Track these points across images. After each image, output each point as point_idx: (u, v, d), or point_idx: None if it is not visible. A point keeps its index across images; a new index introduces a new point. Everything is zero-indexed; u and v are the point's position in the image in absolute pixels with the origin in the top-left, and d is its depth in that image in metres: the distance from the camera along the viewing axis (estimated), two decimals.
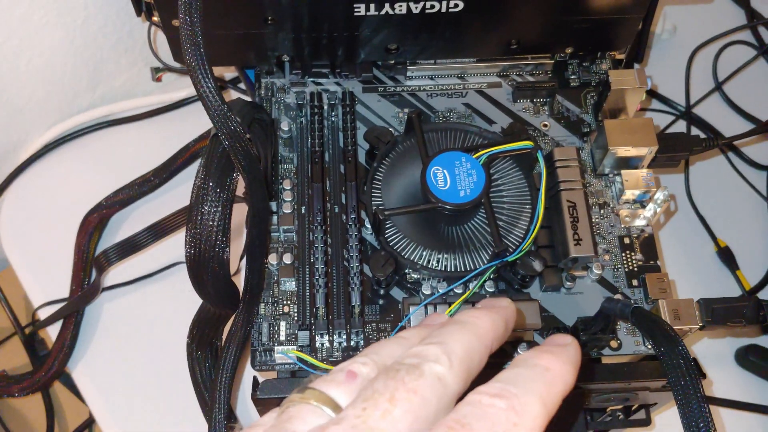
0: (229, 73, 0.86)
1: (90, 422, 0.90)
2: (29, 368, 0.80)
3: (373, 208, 0.57)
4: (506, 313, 0.34)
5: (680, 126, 0.84)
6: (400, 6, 0.58)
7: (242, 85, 0.83)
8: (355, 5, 0.58)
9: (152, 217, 0.74)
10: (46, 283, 0.79)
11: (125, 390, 0.73)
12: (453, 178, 0.55)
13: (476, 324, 0.32)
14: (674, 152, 0.63)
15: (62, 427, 0.91)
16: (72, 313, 0.75)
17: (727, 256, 0.79)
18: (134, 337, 0.76)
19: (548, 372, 0.30)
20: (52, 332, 0.77)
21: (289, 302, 0.58)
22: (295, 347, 0.56)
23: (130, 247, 0.73)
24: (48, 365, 0.75)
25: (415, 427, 0.27)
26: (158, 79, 0.86)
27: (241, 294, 0.56)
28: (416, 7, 0.58)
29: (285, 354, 0.55)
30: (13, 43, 0.72)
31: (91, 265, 0.77)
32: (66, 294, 0.77)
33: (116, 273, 0.78)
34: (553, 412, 0.29)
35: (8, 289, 0.83)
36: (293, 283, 0.58)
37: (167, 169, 0.80)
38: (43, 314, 0.78)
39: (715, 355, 0.75)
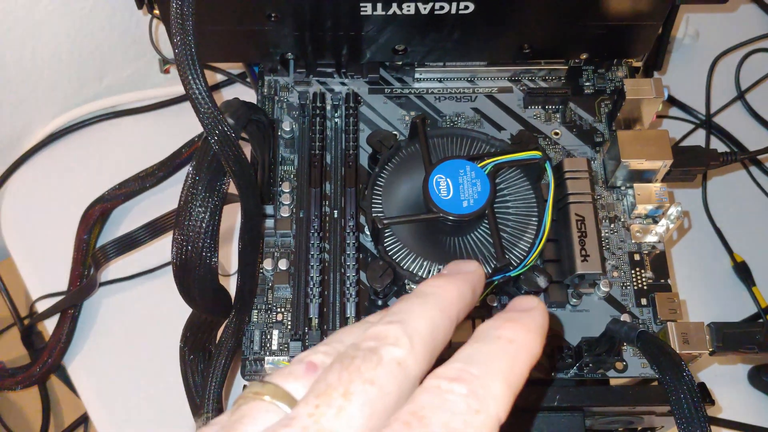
0: (236, 68, 0.84)
1: (86, 417, 0.90)
2: (26, 360, 0.79)
3: (372, 216, 0.55)
4: (473, 279, 0.31)
5: (700, 135, 0.82)
6: (408, 6, 0.56)
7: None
8: (361, 4, 0.56)
9: (155, 211, 0.73)
10: (45, 274, 0.78)
11: (120, 386, 0.72)
12: (456, 187, 0.53)
13: (440, 295, 0.29)
14: (690, 166, 0.60)
15: (58, 421, 0.91)
16: (69, 307, 0.75)
17: (743, 272, 0.76)
18: (131, 333, 0.75)
19: (511, 345, 0.28)
20: (50, 325, 0.76)
21: (283, 310, 0.56)
22: (286, 358, 0.54)
23: (128, 243, 0.72)
24: (43, 359, 0.75)
25: (374, 421, 0.25)
26: (166, 71, 0.84)
27: (232, 300, 0.54)
28: (425, 8, 0.56)
29: (275, 365, 0.54)
30: (17, 32, 0.71)
31: (90, 259, 0.76)
32: (65, 287, 0.76)
33: (116, 268, 0.77)
34: (519, 388, 0.27)
35: (8, 279, 0.83)
36: (288, 290, 0.57)
37: (172, 163, 0.79)
38: (41, 306, 0.77)
39: (728, 374, 0.73)
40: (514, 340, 0.28)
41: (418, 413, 0.24)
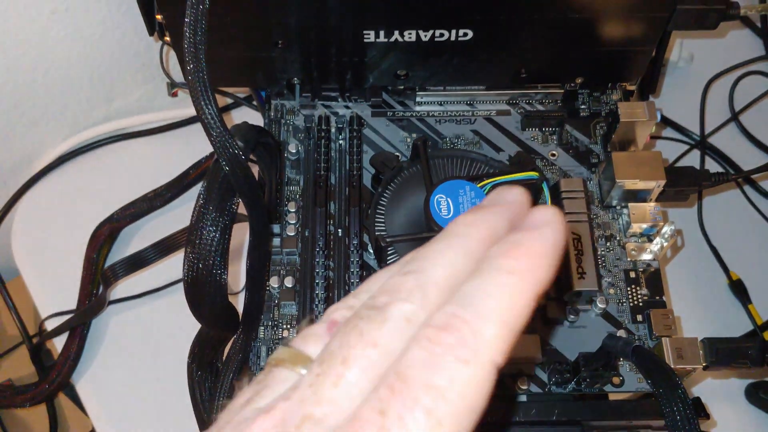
0: (243, 92, 0.86)
1: None
2: (35, 378, 0.80)
3: (376, 234, 0.57)
4: (512, 211, 0.27)
5: (695, 156, 0.84)
6: (410, 34, 0.58)
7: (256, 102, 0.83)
8: (364, 32, 0.58)
9: (163, 231, 0.74)
10: (54, 293, 0.79)
11: (128, 404, 0.73)
12: (456, 206, 0.55)
13: (468, 236, 0.26)
14: (683, 186, 0.62)
15: None
16: (78, 325, 0.76)
17: (739, 290, 0.77)
18: (139, 351, 0.76)
19: (511, 277, 0.25)
20: (59, 344, 0.77)
21: (289, 326, 0.58)
22: None
23: (137, 262, 0.73)
24: (52, 377, 0.76)
25: (376, 384, 0.23)
26: (174, 94, 0.86)
27: (240, 317, 0.56)
28: (425, 35, 0.58)
29: None
30: (30, 56, 0.73)
31: (99, 278, 0.77)
32: (74, 306, 0.77)
33: (124, 287, 0.78)
34: (520, 324, 0.25)
35: (17, 298, 0.84)
36: (294, 307, 0.58)
37: (179, 184, 0.80)
38: (50, 325, 0.78)
39: (725, 391, 0.74)
40: (514, 271, 0.25)
41: (403, 373, 0.23)
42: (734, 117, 0.86)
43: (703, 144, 0.84)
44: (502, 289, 0.24)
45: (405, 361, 0.23)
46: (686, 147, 0.84)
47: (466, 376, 0.23)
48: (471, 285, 0.25)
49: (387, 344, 0.24)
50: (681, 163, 0.82)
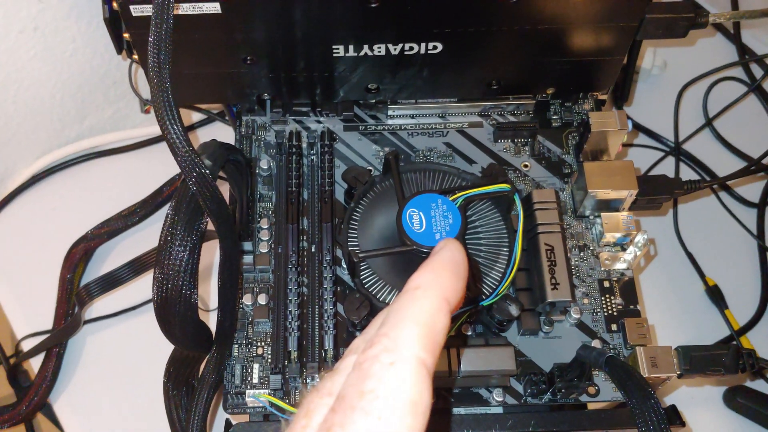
0: (216, 108, 0.86)
1: None
2: (12, 400, 0.79)
3: (349, 249, 0.57)
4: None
5: (670, 162, 0.84)
6: (379, 47, 0.58)
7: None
8: (333, 46, 0.58)
9: (138, 249, 0.74)
10: (30, 314, 0.78)
11: (106, 423, 0.73)
12: (429, 220, 0.55)
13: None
14: (655, 195, 0.62)
15: None
16: (54, 345, 0.75)
17: (716, 295, 0.78)
18: (116, 370, 0.75)
19: (418, 290, 0.29)
20: (35, 364, 0.76)
21: (263, 344, 0.57)
22: (267, 391, 0.55)
23: (112, 281, 0.73)
24: (29, 397, 0.75)
25: None
26: (147, 111, 0.85)
27: (213, 335, 0.55)
28: (395, 49, 0.58)
29: (256, 398, 0.55)
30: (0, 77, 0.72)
31: (74, 298, 0.76)
32: (50, 326, 0.77)
33: (100, 306, 0.78)
34: (435, 323, 0.28)
35: None
36: (268, 324, 0.58)
37: (153, 201, 0.80)
38: (26, 345, 0.78)
39: (703, 396, 0.74)
40: (419, 286, 0.29)
41: (341, 394, 0.26)
42: (708, 123, 0.86)
43: (677, 150, 0.84)
44: (412, 300, 0.29)
45: (343, 386, 0.27)
46: (661, 154, 0.84)
47: (394, 374, 0.26)
48: (387, 309, 0.29)
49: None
50: (656, 170, 0.83)
